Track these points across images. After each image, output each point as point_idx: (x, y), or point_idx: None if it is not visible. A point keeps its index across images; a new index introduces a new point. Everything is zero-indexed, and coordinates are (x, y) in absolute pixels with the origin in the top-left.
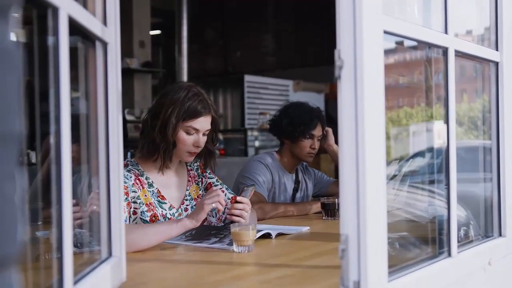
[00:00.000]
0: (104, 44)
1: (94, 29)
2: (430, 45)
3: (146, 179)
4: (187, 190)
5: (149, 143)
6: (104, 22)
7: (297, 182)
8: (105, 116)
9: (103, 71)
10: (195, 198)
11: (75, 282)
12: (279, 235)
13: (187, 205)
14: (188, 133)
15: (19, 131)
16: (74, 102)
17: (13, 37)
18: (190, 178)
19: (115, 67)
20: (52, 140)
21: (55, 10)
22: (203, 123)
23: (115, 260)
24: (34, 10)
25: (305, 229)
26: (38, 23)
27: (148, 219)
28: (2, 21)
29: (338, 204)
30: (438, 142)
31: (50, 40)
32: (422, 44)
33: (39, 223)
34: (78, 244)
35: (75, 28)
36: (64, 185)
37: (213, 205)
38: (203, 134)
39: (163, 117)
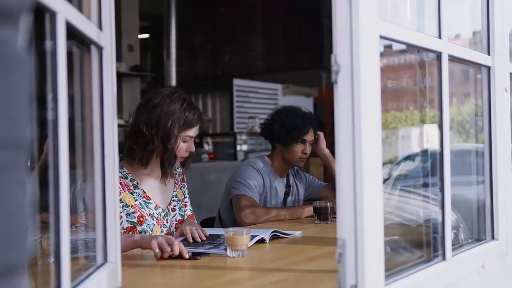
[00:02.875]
0: (100, 49)
1: (90, 34)
2: (425, 50)
3: (130, 181)
4: (174, 191)
5: (149, 153)
6: (100, 27)
7: (288, 186)
8: (100, 121)
9: (98, 75)
10: (181, 200)
11: None
12: (274, 237)
13: (174, 206)
14: (184, 141)
15: (29, 138)
16: (68, 107)
17: (23, 43)
18: (176, 181)
19: (110, 72)
20: (50, 145)
21: (53, 14)
22: (197, 130)
23: (110, 266)
24: (31, 15)
25: (298, 233)
26: (35, 27)
27: (136, 220)
28: (12, 28)
29: (331, 208)
30: (428, 145)
31: (48, 44)
32: (411, 48)
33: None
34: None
35: (71, 33)
36: (62, 190)
37: (157, 250)
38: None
39: (164, 129)
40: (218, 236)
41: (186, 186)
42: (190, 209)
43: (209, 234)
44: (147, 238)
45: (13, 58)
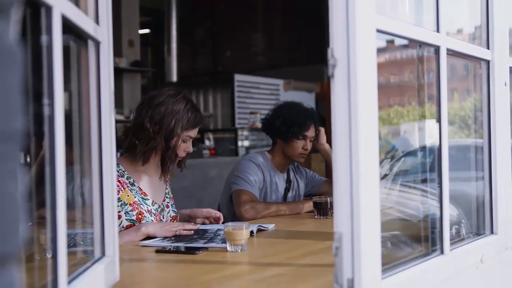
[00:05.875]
0: (97, 43)
1: (86, 28)
2: (422, 44)
3: (127, 178)
4: (166, 188)
5: (151, 150)
6: (97, 21)
7: (288, 181)
8: (97, 116)
9: (96, 70)
10: (172, 198)
11: (69, 282)
12: (260, 231)
13: (167, 202)
14: (184, 141)
15: (21, 130)
16: (66, 102)
17: (14, 35)
18: (167, 180)
19: (107, 67)
20: (45, 140)
21: (49, 8)
22: (196, 131)
23: (108, 260)
24: (27, 9)
25: (271, 226)
26: (31, 22)
27: (134, 217)
28: (3, 21)
29: (330, 203)
30: (430, 141)
31: (43, 39)
32: (413, 43)
33: (30, 224)
34: (69, 243)
35: (68, 27)
36: (58, 185)
37: (176, 232)
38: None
39: (167, 127)
40: (205, 230)
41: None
42: (173, 210)
43: (198, 229)
44: (158, 229)
45: (4, 50)
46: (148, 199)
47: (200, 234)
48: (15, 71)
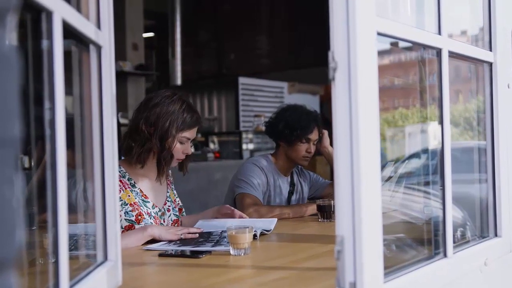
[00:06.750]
0: (98, 48)
1: (88, 33)
2: (424, 46)
3: (128, 180)
4: (167, 192)
5: (146, 152)
6: (98, 26)
7: (292, 184)
8: (99, 120)
9: (97, 74)
10: (173, 201)
11: (71, 286)
12: (262, 234)
13: (169, 206)
14: (181, 142)
15: (18, 135)
16: (68, 106)
17: (11, 41)
18: (168, 183)
19: (109, 71)
20: (46, 144)
21: (49, 14)
22: (195, 132)
23: (110, 264)
24: (28, 14)
25: (274, 222)
26: (32, 27)
27: (133, 218)
28: (0, 26)
29: (334, 206)
30: (434, 143)
31: (44, 43)
32: (416, 45)
33: (34, 228)
34: (72, 247)
35: (69, 32)
36: (59, 189)
37: (182, 236)
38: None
39: (162, 128)
40: (210, 233)
41: (173, 188)
42: (174, 214)
43: (202, 232)
44: (164, 232)
45: (1, 56)
46: (149, 202)
47: (205, 237)
48: (12, 77)
